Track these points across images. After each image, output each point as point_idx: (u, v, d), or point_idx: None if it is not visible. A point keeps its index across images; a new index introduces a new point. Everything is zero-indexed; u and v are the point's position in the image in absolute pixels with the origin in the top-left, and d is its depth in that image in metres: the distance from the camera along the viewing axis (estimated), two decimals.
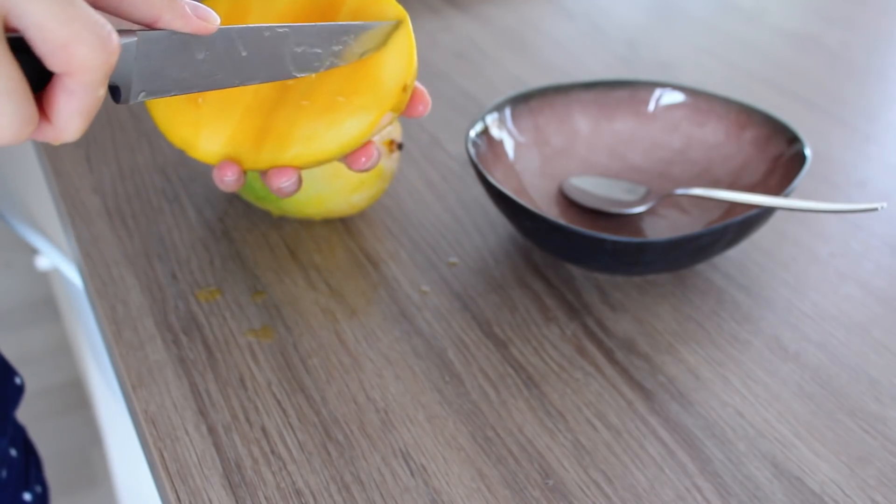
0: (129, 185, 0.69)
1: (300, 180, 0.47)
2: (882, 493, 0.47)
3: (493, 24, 0.99)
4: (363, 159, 0.47)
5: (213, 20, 0.38)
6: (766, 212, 0.57)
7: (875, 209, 0.54)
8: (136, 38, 0.36)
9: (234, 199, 0.69)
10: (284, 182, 0.47)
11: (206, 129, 0.47)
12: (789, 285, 0.61)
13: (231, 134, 0.47)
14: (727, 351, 0.56)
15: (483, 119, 0.65)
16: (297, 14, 0.48)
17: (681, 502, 0.47)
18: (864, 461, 0.49)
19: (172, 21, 0.37)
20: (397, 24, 0.47)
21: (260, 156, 0.47)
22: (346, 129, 0.46)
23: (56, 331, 1.69)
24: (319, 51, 0.44)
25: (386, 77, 0.46)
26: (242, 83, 0.42)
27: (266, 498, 0.46)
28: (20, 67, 0.31)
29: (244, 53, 0.41)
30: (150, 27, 0.37)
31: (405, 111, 0.48)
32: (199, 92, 0.40)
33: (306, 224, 0.66)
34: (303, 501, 0.46)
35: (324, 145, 0.46)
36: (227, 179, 0.47)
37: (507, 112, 0.67)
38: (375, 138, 0.52)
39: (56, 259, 0.82)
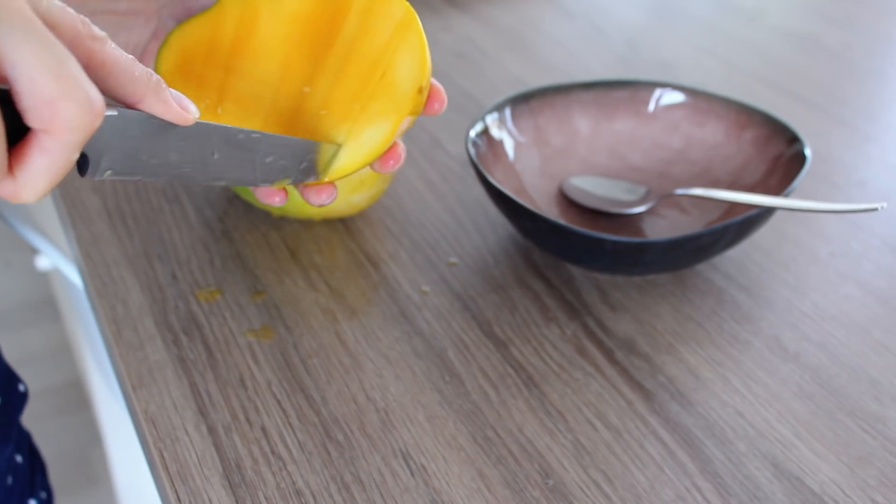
0: (129, 185, 0.69)
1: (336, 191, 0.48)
2: (882, 493, 0.47)
3: (493, 24, 0.99)
4: (391, 162, 0.47)
5: (192, 112, 0.38)
6: (766, 212, 0.57)
7: (875, 209, 0.54)
8: (116, 113, 0.35)
9: (234, 199, 0.69)
10: (325, 198, 0.47)
11: None
12: (789, 285, 0.61)
13: None
14: (727, 351, 0.56)
15: (483, 119, 0.65)
16: (307, 17, 0.48)
17: (681, 502, 0.47)
18: (864, 461, 0.49)
19: (154, 105, 0.36)
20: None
21: None
22: (365, 140, 0.45)
23: (56, 331, 1.69)
24: (285, 163, 0.44)
25: (401, 80, 0.45)
26: (207, 181, 0.41)
27: (266, 498, 0.46)
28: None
29: (215, 153, 0.41)
30: (130, 107, 0.36)
31: (425, 109, 0.48)
32: (163, 182, 0.40)
33: (306, 224, 0.66)
34: (303, 501, 0.46)
35: (347, 160, 0.46)
36: (277, 201, 0.47)
37: (507, 112, 0.67)
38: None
39: (56, 259, 0.82)
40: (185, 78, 0.47)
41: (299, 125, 0.47)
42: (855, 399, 0.53)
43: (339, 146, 0.47)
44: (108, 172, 0.36)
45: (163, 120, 0.37)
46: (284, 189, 0.48)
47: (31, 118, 0.31)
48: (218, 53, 0.48)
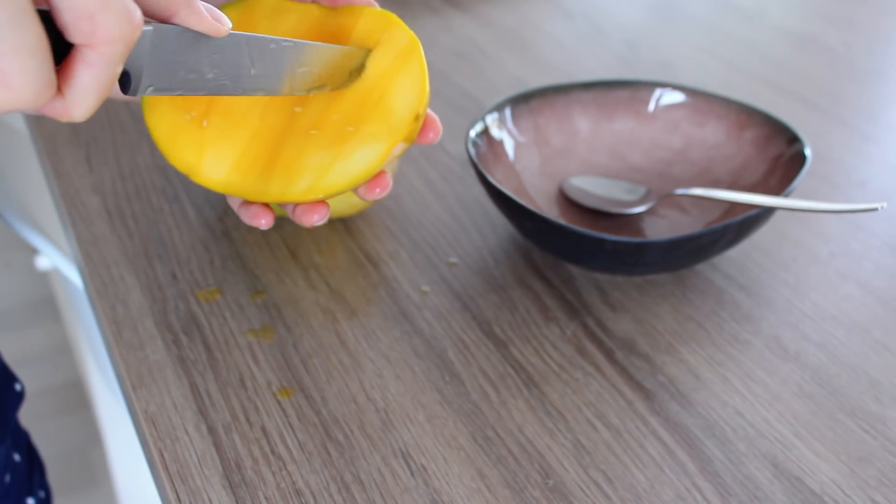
0: (129, 185, 0.69)
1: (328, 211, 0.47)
2: (882, 493, 0.47)
3: (493, 24, 0.99)
4: (377, 189, 0.46)
5: (226, 22, 0.39)
6: (766, 212, 0.57)
7: (875, 209, 0.54)
8: (152, 28, 0.36)
9: None
10: (316, 219, 0.46)
11: (210, 153, 0.46)
12: (789, 285, 0.61)
13: (237, 160, 0.46)
14: (727, 351, 0.56)
15: (483, 119, 0.65)
16: (304, 37, 0.47)
17: (681, 502, 0.47)
18: (864, 461, 0.49)
19: (188, 17, 0.37)
20: (407, 48, 0.46)
21: (269, 188, 0.45)
22: (355, 161, 0.45)
23: (56, 331, 1.69)
24: (318, 72, 0.44)
25: (398, 106, 0.45)
26: (244, 93, 0.42)
27: (266, 498, 0.46)
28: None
29: (251, 66, 0.41)
30: (165, 21, 0.37)
31: (418, 139, 0.47)
32: (203, 95, 0.40)
33: None
34: (303, 501, 0.46)
35: (334, 179, 0.45)
36: (263, 223, 0.46)
37: (507, 112, 0.67)
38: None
39: (56, 259, 0.83)
40: None
41: (288, 144, 0.46)
42: (855, 399, 0.53)
43: (367, 51, 0.46)
44: (150, 88, 0.37)
45: (197, 33, 0.38)
46: (272, 212, 0.47)
47: (73, 33, 0.32)
48: None
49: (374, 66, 0.46)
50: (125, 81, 0.36)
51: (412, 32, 0.46)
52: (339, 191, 0.45)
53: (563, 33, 0.97)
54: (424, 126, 0.47)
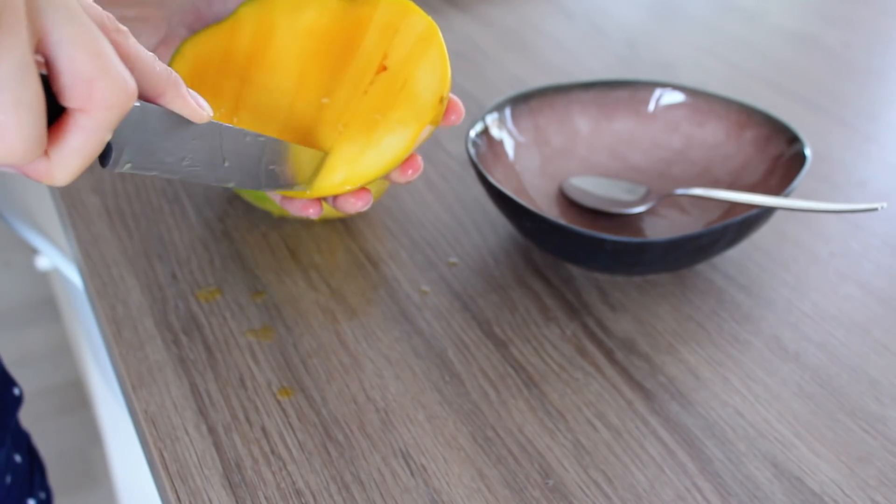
0: (129, 185, 0.69)
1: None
2: (882, 493, 0.47)
3: (493, 24, 0.99)
4: (409, 172, 0.47)
5: (207, 110, 0.39)
6: (766, 212, 0.57)
7: (875, 209, 0.54)
8: (139, 104, 0.36)
9: (234, 199, 0.69)
10: (360, 206, 0.47)
11: None
12: (789, 285, 0.61)
13: None
14: (727, 351, 0.56)
15: (483, 119, 0.65)
16: (323, 31, 0.48)
17: (681, 502, 0.47)
18: (864, 461, 0.49)
19: (174, 99, 0.37)
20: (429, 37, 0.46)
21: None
22: (385, 148, 0.45)
23: (56, 331, 1.69)
24: (287, 170, 0.45)
25: (422, 90, 0.45)
26: (217, 183, 0.42)
27: (266, 498, 0.46)
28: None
29: (224, 159, 0.42)
30: (151, 101, 0.37)
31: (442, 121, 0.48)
32: (177, 179, 0.40)
33: (306, 224, 0.66)
34: (303, 501, 0.46)
35: (367, 167, 0.45)
36: (311, 213, 0.48)
37: (507, 112, 0.67)
38: None
39: (56, 259, 0.82)
40: (199, 86, 0.47)
41: (317, 135, 0.47)
42: (855, 399, 0.53)
43: (324, 154, 0.47)
44: (128, 165, 0.37)
45: (179, 116, 0.38)
46: (319, 203, 0.48)
47: (69, 96, 0.32)
48: (233, 63, 0.48)
49: (396, 53, 0.46)
50: (105, 155, 0.36)
51: (430, 18, 0.46)
52: (373, 178, 0.46)
53: (563, 33, 0.97)
54: (447, 108, 0.47)
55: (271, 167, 0.44)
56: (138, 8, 0.48)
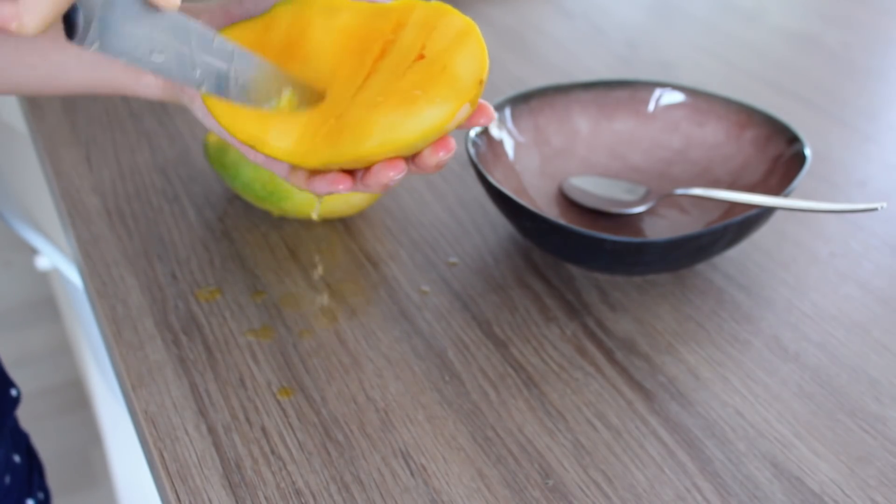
0: (129, 185, 0.69)
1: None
2: (882, 493, 0.47)
3: (493, 24, 0.99)
4: (441, 153, 0.46)
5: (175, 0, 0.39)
6: (766, 212, 0.57)
7: (875, 209, 0.54)
8: None
9: (234, 199, 0.69)
10: (393, 175, 0.46)
11: (276, 124, 0.47)
12: (789, 285, 0.61)
13: (303, 128, 0.47)
14: (727, 351, 0.56)
15: None
16: (359, 30, 0.48)
17: (681, 502, 0.47)
18: (864, 461, 0.49)
19: None
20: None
21: (338, 149, 0.46)
22: (426, 117, 0.45)
23: (56, 331, 1.69)
24: (252, 81, 0.45)
25: (461, 72, 0.46)
26: (184, 82, 0.42)
27: (266, 498, 0.46)
28: None
29: (190, 53, 0.42)
30: None
31: (467, 120, 0.48)
32: (148, 71, 0.40)
33: (306, 224, 0.66)
34: (303, 501, 0.46)
35: (405, 133, 0.45)
36: (342, 188, 0.47)
37: (507, 112, 0.67)
38: None
39: (56, 259, 0.82)
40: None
41: (355, 111, 0.47)
42: (855, 399, 0.53)
43: (287, 75, 0.47)
44: (96, 45, 0.37)
45: (147, 5, 0.38)
46: (350, 176, 0.47)
47: None
48: (266, 54, 0.48)
49: (433, 46, 0.47)
50: (72, 26, 0.36)
51: (468, 18, 0.47)
52: (410, 145, 0.45)
53: (563, 33, 0.97)
54: (478, 112, 0.48)
55: (240, 78, 0.44)
56: None
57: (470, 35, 0.46)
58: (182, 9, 0.50)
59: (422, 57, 0.47)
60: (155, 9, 0.39)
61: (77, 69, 0.50)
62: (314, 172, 0.48)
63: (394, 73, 0.47)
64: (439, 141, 0.46)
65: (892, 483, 0.48)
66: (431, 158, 0.46)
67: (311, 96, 0.47)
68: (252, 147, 0.47)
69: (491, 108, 0.48)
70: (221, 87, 0.44)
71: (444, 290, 0.60)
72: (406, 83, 0.46)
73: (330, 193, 0.47)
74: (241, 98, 0.45)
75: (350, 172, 0.48)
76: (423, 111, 0.46)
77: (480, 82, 0.46)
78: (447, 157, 0.46)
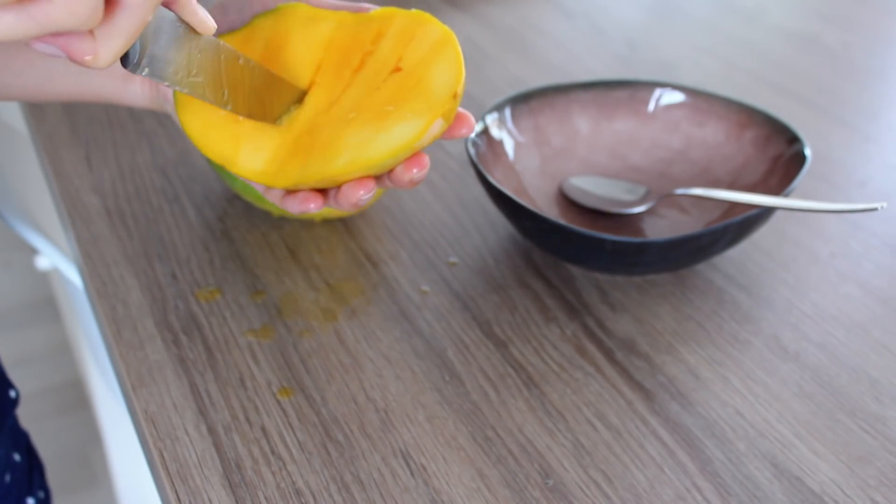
0: (129, 185, 0.69)
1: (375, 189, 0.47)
2: (882, 493, 0.47)
3: (493, 24, 0.99)
4: (415, 170, 0.45)
5: (211, 22, 0.41)
6: (766, 212, 0.57)
7: (875, 209, 0.54)
8: (159, 8, 0.38)
9: (234, 199, 0.69)
10: (362, 194, 0.45)
11: (247, 144, 0.47)
12: (789, 285, 0.61)
13: (275, 149, 0.47)
14: (727, 351, 0.56)
15: (483, 119, 0.65)
16: (338, 42, 0.48)
17: (681, 502, 0.47)
18: (864, 461, 0.49)
19: (185, 7, 0.39)
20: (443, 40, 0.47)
21: (307, 170, 0.46)
22: (396, 134, 0.45)
23: (56, 331, 1.69)
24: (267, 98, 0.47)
25: (435, 86, 0.45)
26: (218, 104, 0.44)
27: (266, 498, 0.46)
28: None
29: (223, 73, 0.44)
30: (165, 5, 0.39)
31: (448, 132, 0.47)
32: (184, 93, 0.42)
33: (306, 224, 0.66)
34: (303, 501, 0.46)
35: (374, 151, 0.45)
36: (312, 207, 0.47)
37: (507, 112, 0.67)
38: None
39: (56, 259, 0.83)
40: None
41: (326, 128, 0.47)
42: (855, 399, 0.53)
43: (300, 90, 0.48)
44: (146, 70, 0.39)
45: (187, 29, 0.40)
46: (321, 195, 0.47)
47: None
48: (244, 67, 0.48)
49: (411, 57, 0.47)
50: (127, 55, 0.38)
51: (446, 27, 0.46)
52: (380, 164, 0.45)
53: (563, 33, 0.97)
54: (458, 122, 0.47)
55: (259, 93, 0.46)
56: None
57: (447, 45, 0.46)
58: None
59: (398, 69, 0.46)
60: (194, 34, 0.41)
61: (63, 78, 0.51)
62: (287, 192, 0.48)
63: (369, 87, 0.47)
64: (412, 158, 0.46)
65: (892, 483, 0.48)
66: (405, 175, 0.46)
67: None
68: (223, 166, 0.47)
69: (471, 118, 0.47)
70: (242, 106, 0.46)
71: (444, 290, 0.60)
72: (380, 98, 0.46)
73: (303, 213, 0.47)
74: (258, 116, 0.47)
75: (322, 191, 0.48)
76: (394, 128, 0.45)
77: (455, 96, 0.45)
78: (421, 174, 0.46)
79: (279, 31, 0.48)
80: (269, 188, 0.48)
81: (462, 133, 0.47)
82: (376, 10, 0.48)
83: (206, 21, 0.41)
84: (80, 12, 0.32)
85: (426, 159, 0.46)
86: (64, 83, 0.51)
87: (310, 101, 0.48)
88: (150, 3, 0.35)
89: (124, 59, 0.38)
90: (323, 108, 0.47)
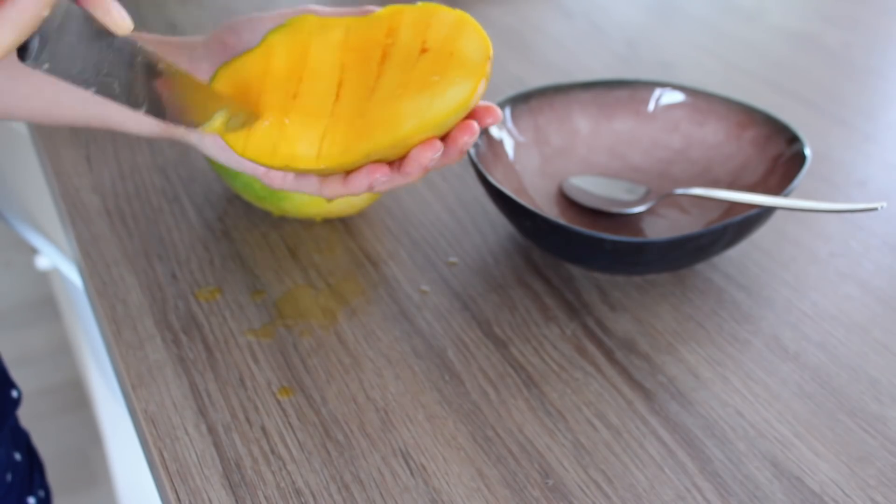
0: (129, 185, 0.69)
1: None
2: (882, 493, 0.47)
3: (493, 24, 0.99)
4: (466, 137, 0.48)
5: (126, 21, 0.40)
6: (766, 212, 0.57)
7: (875, 209, 0.54)
8: (66, 3, 0.37)
9: (234, 198, 0.69)
10: (430, 155, 0.47)
11: (302, 140, 0.48)
12: (789, 285, 0.61)
13: (330, 134, 0.48)
14: (727, 351, 0.56)
15: None
16: (356, 41, 0.50)
17: (681, 502, 0.47)
18: (864, 461, 0.49)
19: (97, 5, 0.38)
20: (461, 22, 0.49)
21: (375, 140, 0.47)
22: (452, 95, 0.47)
23: (56, 331, 1.69)
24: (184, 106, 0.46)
25: (469, 53, 0.48)
26: (128, 105, 0.43)
27: (266, 497, 0.46)
28: None
29: (137, 80, 0.42)
30: (76, 2, 0.38)
31: (480, 121, 0.50)
32: (90, 90, 0.41)
33: (306, 224, 0.66)
34: (303, 501, 0.46)
35: (437, 112, 0.47)
36: (379, 177, 0.48)
37: (507, 112, 0.67)
38: None
39: (56, 259, 0.82)
40: (243, 103, 0.49)
41: (374, 107, 0.48)
42: (855, 399, 0.53)
43: (215, 94, 0.48)
44: (46, 66, 0.38)
45: (100, 26, 0.39)
46: (388, 166, 0.49)
47: None
48: (274, 80, 0.50)
49: (433, 38, 0.49)
50: (24, 48, 0.37)
51: (459, 10, 0.48)
52: (444, 121, 0.47)
53: (563, 33, 0.97)
54: (484, 113, 0.49)
55: (176, 102, 0.45)
56: (156, 44, 0.50)
57: (466, 22, 0.48)
58: (177, 43, 0.51)
59: (425, 50, 0.48)
60: (106, 33, 0.39)
61: (70, 104, 0.51)
62: (348, 174, 0.49)
63: (404, 69, 0.48)
64: (464, 126, 0.48)
65: (892, 483, 0.48)
66: (459, 140, 0.48)
67: (246, 119, 0.48)
68: (286, 168, 0.48)
69: (498, 109, 0.49)
70: (159, 110, 0.45)
71: (444, 290, 0.60)
72: (419, 73, 0.48)
73: (370, 189, 0.48)
74: (175, 121, 0.46)
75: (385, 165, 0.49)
76: (447, 91, 0.47)
77: (489, 58, 0.47)
78: (473, 140, 0.48)
79: (297, 41, 0.50)
80: (326, 179, 0.50)
81: (488, 122, 0.49)
82: (382, 9, 0.50)
83: (119, 20, 0.39)
84: None
85: (476, 127, 0.48)
86: (71, 109, 0.51)
87: (345, 95, 0.49)
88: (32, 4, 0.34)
89: (21, 53, 0.37)
90: (364, 96, 0.48)
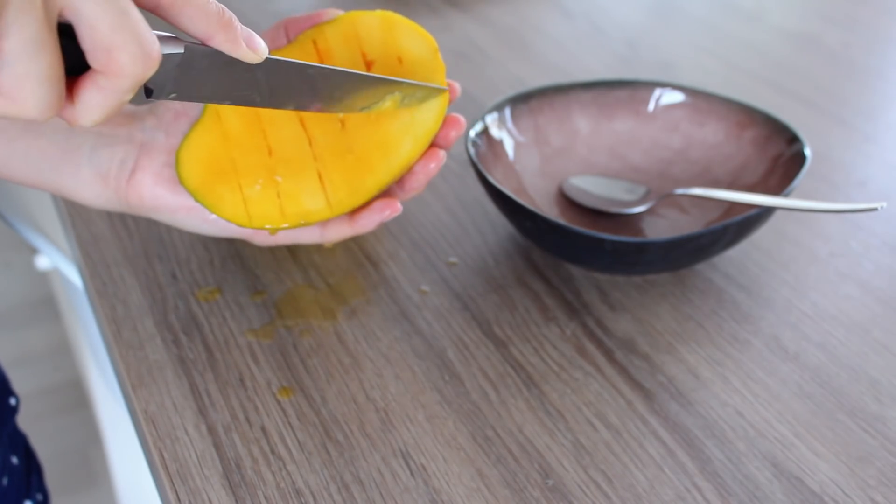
0: None
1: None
2: (882, 493, 0.47)
3: (493, 24, 0.99)
4: (432, 165, 0.50)
5: (261, 52, 0.40)
6: (766, 212, 0.57)
7: (875, 209, 0.54)
8: (182, 51, 0.37)
9: None
10: (435, 164, 0.50)
11: (304, 193, 0.49)
12: (789, 285, 0.61)
13: (325, 179, 0.49)
14: (727, 351, 0.56)
15: (483, 119, 0.65)
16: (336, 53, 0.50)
17: (681, 502, 0.47)
18: (864, 461, 0.49)
19: (223, 43, 0.38)
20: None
21: (378, 172, 0.48)
22: (428, 107, 0.48)
23: (56, 331, 1.69)
24: (355, 99, 0.47)
25: (417, 52, 0.48)
26: (271, 106, 0.44)
27: (266, 498, 0.46)
28: (62, 54, 0.33)
29: (282, 85, 0.43)
30: (201, 43, 0.38)
31: (440, 141, 0.51)
32: (227, 104, 0.41)
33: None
34: (303, 501, 0.46)
35: (423, 123, 0.48)
36: (389, 214, 0.51)
37: (507, 112, 0.67)
38: None
39: (56, 259, 0.82)
40: (224, 179, 0.48)
41: (358, 144, 0.48)
42: (855, 399, 0.53)
43: (407, 91, 0.48)
44: (173, 95, 0.38)
45: (232, 58, 0.39)
46: (393, 199, 0.51)
47: (91, 59, 0.34)
48: (238, 144, 0.49)
49: (371, 50, 0.49)
50: (147, 92, 0.38)
51: (382, 11, 0.48)
52: (435, 128, 0.49)
53: (563, 33, 0.97)
54: (448, 124, 0.51)
55: (336, 93, 0.45)
56: (108, 125, 0.50)
57: (395, 22, 0.49)
58: (127, 113, 0.51)
59: (370, 63, 0.50)
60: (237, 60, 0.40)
61: (21, 167, 0.51)
62: (354, 213, 0.49)
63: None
64: (429, 154, 0.50)
65: (892, 483, 0.48)
66: (424, 167, 0.51)
67: (427, 93, 0.48)
68: (302, 225, 0.48)
69: (462, 119, 0.51)
70: (312, 104, 0.45)
71: (444, 290, 0.60)
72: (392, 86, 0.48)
73: (383, 222, 0.50)
74: (342, 109, 0.47)
75: (386, 194, 0.50)
76: (422, 108, 0.49)
77: (436, 49, 0.49)
78: (438, 167, 0.51)
79: (327, 40, 0.51)
80: (331, 223, 0.52)
81: (451, 137, 0.51)
82: (300, 34, 0.50)
83: (249, 54, 0.39)
84: (29, 113, 0.32)
85: (442, 155, 0.51)
86: (21, 172, 0.51)
87: (316, 134, 0.49)
88: (121, 88, 0.34)
89: (146, 93, 0.38)
90: (336, 129, 0.49)
